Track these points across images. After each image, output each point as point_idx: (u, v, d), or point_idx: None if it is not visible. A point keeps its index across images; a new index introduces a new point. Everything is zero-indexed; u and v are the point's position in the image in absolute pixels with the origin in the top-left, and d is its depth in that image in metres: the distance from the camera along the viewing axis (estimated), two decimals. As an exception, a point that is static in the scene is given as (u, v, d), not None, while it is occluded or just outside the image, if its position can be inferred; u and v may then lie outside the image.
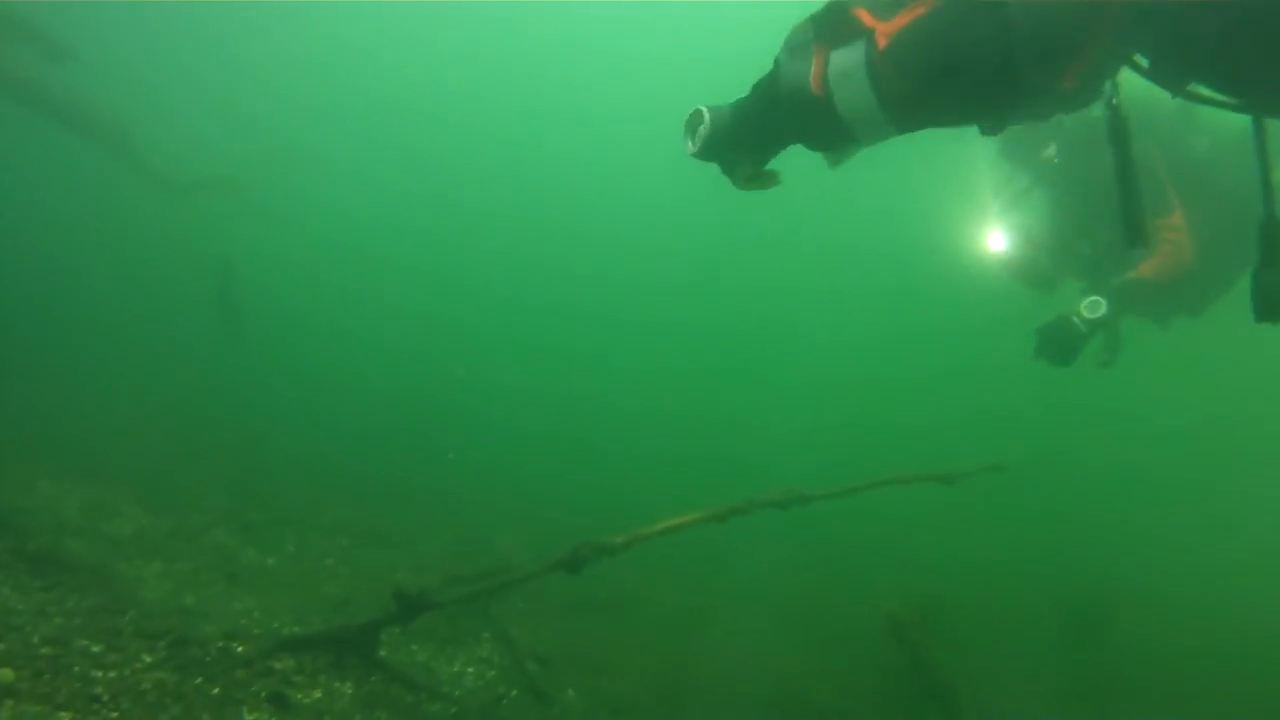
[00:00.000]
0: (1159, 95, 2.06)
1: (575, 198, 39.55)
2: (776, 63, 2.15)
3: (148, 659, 5.27)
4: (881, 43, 1.85)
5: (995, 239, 7.27)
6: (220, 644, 5.67)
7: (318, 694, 5.50)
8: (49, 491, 8.73)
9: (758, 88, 2.24)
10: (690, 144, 2.37)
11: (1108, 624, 11.10)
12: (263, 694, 5.27)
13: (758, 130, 2.26)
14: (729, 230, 29.40)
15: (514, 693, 6.67)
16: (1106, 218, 6.22)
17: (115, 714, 4.61)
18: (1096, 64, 1.85)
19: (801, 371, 27.80)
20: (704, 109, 2.36)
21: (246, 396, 13.37)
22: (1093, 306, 6.86)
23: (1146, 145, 5.70)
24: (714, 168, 2.45)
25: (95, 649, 5.33)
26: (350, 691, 5.68)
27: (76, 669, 5.03)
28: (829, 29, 1.98)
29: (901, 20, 1.82)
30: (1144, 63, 1.96)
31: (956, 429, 22.71)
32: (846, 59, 1.92)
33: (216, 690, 5.10)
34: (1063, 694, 8.87)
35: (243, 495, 10.25)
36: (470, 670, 6.83)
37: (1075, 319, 6.89)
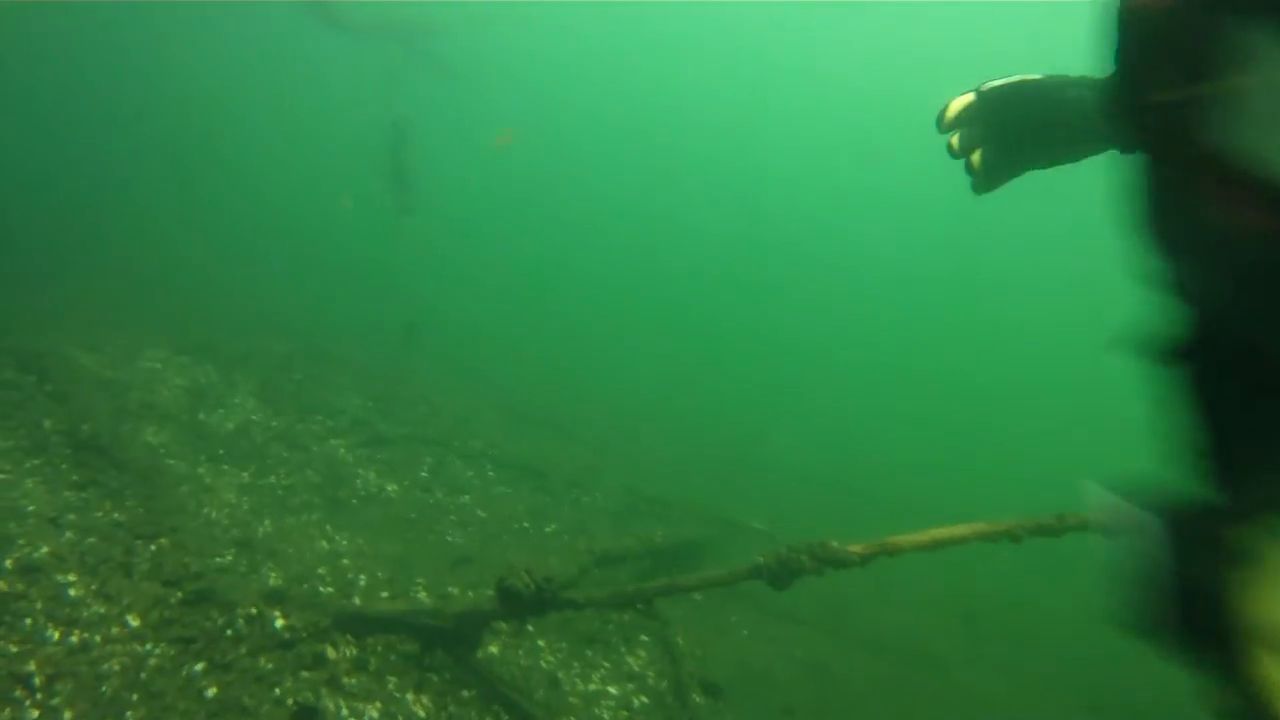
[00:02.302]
0: None
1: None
2: None
3: (135, 622, 3.74)
4: None
5: None
6: (254, 610, 4.08)
7: (373, 712, 3.82)
8: (154, 365, 7.63)
9: None
10: None
11: None
12: (288, 701, 3.64)
13: None
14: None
15: (667, 736, 4.82)
16: None
17: (33, 713, 3.07)
18: None
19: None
20: None
21: (412, 280, 12.06)
22: None
23: None
24: None
25: (76, 591, 3.88)
26: (424, 714, 3.97)
27: (29, 621, 3.57)
28: None
29: None
30: None
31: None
32: None
33: (214, 690, 3.51)
34: None
35: (383, 401, 8.89)
36: (612, 692, 5.02)
37: None
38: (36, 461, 5.23)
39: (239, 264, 12.22)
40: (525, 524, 7.14)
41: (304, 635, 4.07)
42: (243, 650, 3.81)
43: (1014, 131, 2.11)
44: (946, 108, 2.18)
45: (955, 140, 2.14)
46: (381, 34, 14.82)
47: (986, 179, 2.17)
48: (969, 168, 2.16)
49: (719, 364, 18.36)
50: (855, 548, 4.27)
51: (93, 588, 3.93)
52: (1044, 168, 2.17)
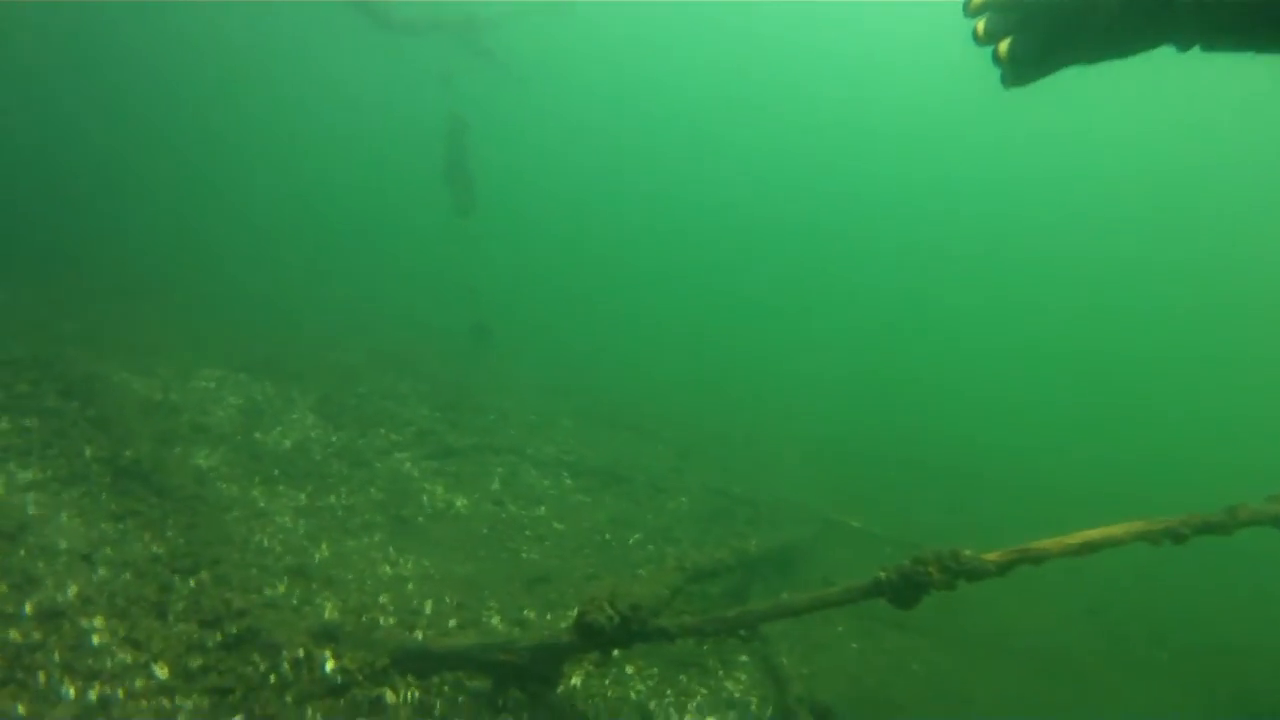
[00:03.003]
0: None
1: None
2: None
3: (163, 673, 3.31)
4: None
5: None
6: (302, 651, 3.63)
7: (438, 767, 3.33)
8: (208, 385, 7.33)
9: None
10: None
11: None
12: (340, 759, 3.17)
13: None
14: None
15: (777, 775, 4.25)
16: None
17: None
18: None
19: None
20: None
21: (477, 284, 11.66)
22: None
23: None
24: None
25: (100, 638, 3.47)
26: (496, 766, 3.47)
27: (43, 676, 3.16)
28: None
29: None
30: None
31: None
32: None
33: (251, 751, 3.05)
34: None
35: (451, 409, 8.48)
36: (711, 723, 4.45)
37: None
38: (75, 493, 4.90)
39: (303, 273, 11.97)
40: (606, 535, 6.63)
41: (359, 678, 3.60)
42: (287, 699, 3.36)
43: (1050, 17, 1.89)
44: None
45: (981, 25, 1.95)
46: (434, 32, 14.41)
47: (1016, 71, 1.95)
48: (996, 57, 1.94)
49: (800, 352, 17.71)
50: (991, 556, 3.64)
51: (120, 633, 3.52)
52: (1085, 63, 1.96)
